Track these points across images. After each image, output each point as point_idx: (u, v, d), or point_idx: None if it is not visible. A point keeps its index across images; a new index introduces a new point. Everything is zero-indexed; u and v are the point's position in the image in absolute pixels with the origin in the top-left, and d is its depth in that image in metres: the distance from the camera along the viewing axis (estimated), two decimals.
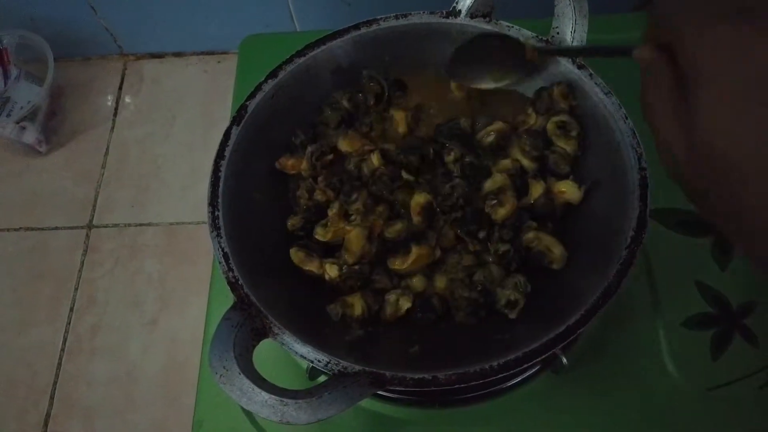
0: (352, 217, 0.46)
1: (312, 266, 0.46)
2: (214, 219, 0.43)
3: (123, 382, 0.90)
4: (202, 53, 1.15)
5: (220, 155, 0.45)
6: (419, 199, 0.46)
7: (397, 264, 0.45)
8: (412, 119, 0.51)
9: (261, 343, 0.39)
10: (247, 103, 0.47)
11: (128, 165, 1.07)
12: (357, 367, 0.37)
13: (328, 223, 0.46)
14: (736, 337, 0.51)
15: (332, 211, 0.46)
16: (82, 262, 0.99)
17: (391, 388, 0.37)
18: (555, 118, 0.48)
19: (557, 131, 0.48)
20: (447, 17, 0.51)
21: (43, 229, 1.02)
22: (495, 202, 0.45)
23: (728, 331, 0.51)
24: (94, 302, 0.96)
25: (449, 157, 0.48)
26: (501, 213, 0.45)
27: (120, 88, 1.14)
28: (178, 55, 1.16)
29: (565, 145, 0.48)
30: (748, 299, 0.52)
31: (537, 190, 0.47)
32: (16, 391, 0.90)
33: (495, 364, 0.37)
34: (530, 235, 0.45)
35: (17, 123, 1.02)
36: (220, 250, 0.42)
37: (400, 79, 0.52)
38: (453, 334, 0.44)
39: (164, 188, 1.04)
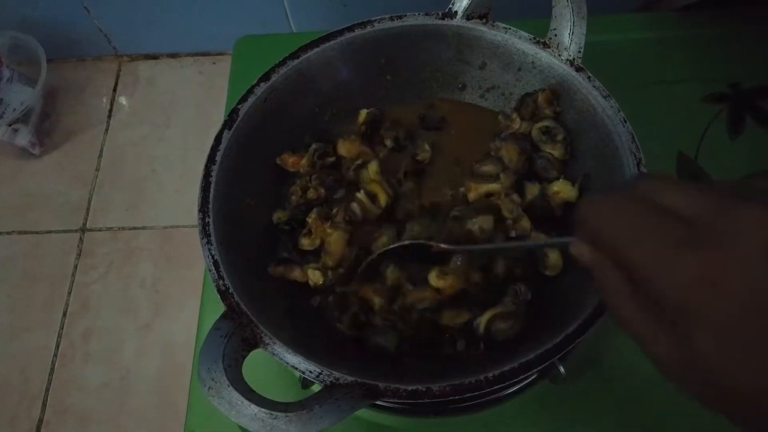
0: (336, 219, 0.46)
1: (295, 275, 0.45)
2: (204, 225, 0.42)
3: (117, 388, 0.89)
4: (197, 54, 1.14)
5: (211, 160, 0.44)
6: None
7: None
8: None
9: None
10: (239, 106, 0.47)
11: (123, 167, 1.05)
12: (350, 378, 0.36)
13: (312, 231, 0.46)
14: None
15: (311, 218, 0.46)
16: (76, 266, 0.98)
17: (385, 399, 0.36)
18: (539, 124, 0.48)
19: (542, 137, 0.48)
20: (443, 19, 0.50)
21: (36, 232, 1.00)
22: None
23: None
24: (87, 306, 0.94)
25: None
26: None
27: (114, 89, 1.13)
28: (173, 56, 1.15)
29: (552, 150, 0.47)
30: None
31: (532, 191, 0.46)
32: (9, 397, 0.89)
33: (490, 375, 0.36)
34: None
35: (10, 125, 1.01)
36: (210, 257, 0.41)
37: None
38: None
39: (159, 191, 1.03)
